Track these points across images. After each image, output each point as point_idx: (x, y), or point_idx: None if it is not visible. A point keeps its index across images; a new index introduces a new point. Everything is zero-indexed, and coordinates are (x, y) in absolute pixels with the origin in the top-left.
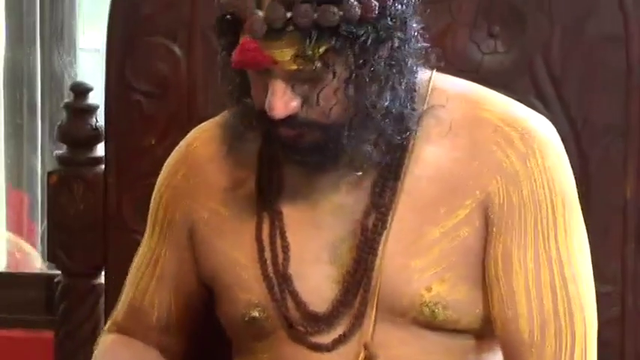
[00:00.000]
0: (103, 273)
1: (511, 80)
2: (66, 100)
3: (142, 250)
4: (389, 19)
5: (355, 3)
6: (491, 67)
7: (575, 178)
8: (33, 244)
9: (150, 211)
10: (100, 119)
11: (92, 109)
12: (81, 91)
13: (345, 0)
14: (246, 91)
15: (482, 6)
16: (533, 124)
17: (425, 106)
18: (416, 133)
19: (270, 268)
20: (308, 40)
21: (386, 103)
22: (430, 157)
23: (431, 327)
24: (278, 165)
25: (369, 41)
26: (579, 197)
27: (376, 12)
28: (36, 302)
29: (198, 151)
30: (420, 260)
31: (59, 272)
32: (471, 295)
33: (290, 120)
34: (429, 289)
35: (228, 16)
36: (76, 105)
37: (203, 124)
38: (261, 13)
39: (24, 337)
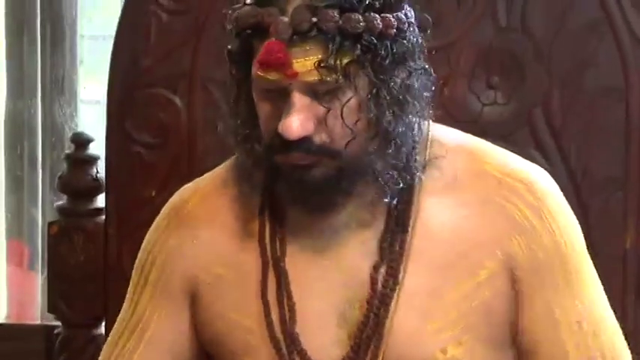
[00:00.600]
0: (103, 324)
1: (511, 131)
2: (67, 151)
3: (125, 310)
4: (405, 41)
5: (377, 16)
6: (490, 118)
7: None
8: (33, 295)
9: (138, 270)
10: (100, 170)
11: (93, 160)
12: (81, 142)
13: (367, 12)
14: (254, 125)
15: (481, 56)
16: (537, 176)
17: (426, 157)
18: (420, 184)
19: (277, 329)
20: (332, 46)
21: (401, 129)
22: (438, 213)
23: None
24: (281, 221)
25: (388, 59)
26: None
27: (394, 29)
28: (36, 353)
29: (195, 210)
30: (437, 322)
31: (59, 323)
32: (487, 358)
33: (305, 144)
34: (444, 352)
35: (248, 31)
36: (76, 156)
37: (197, 180)
38: (286, 19)
39: None
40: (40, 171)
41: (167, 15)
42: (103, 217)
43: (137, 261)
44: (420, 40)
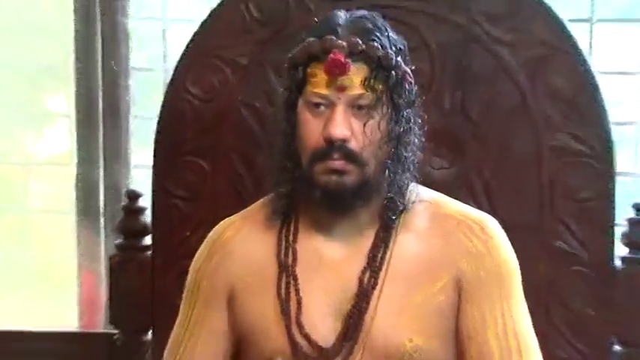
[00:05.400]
0: (150, 332)
1: (454, 190)
2: (123, 203)
3: (183, 319)
4: (413, 89)
5: (401, 62)
6: (439, 179)
7: None
8: (99, 311)
9: (188, 292)
10: (147, 217)
11: (142, 210)
12: (134, 196)
13: (397, 56)
14: (293, 155)
15: (431, 133)
16: (487, 219)
17: (406, 204)
18: (402, 219)
19: (289, 319)
20: (373, 69)
21: (408, 154)
22: (412, 242)
23: None
24: (295, 240)
25: (405, 98)
26: None
27: (409, 79)
28: (101, 355)
29: (230, 239)
30: (405, 319)
31: (117, 331)
32: (442, 346)
33: (342, 148)
34: (410, 340)
35: (304, 63)
36: (130, 206)
37: (229, 217)
38: (344, 43)
39: None
40: (102, 218)
41: (198, 101)
42: (150, 252)
43: (187, 283)
44: (417, 94)
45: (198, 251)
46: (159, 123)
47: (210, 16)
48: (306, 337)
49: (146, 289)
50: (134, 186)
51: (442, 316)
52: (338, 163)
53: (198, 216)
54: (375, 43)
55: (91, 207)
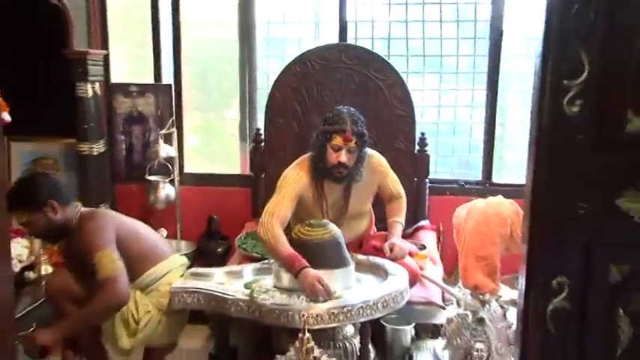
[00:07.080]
0: (263, 175)
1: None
2: (254, 131)
3: (278, 192)
4: (367, 140)
5: (367, 133)
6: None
7: None
8: (247, 167)
9: (279, 183)
10: (263, 136)
11: (261, 134)
12: (258, 130)
13: (364, 129)
14: (324, 162)
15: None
16: (380, 157)
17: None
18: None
19: (323, 211)
20: (360, 138)
21: (364, 159)
22: (363, 178)
23: (358, 215)
24: (322, 187)
25: (365, 143)
26: None
27: (367, 137)
28: (248, 183)
29: (302, 175)
30: (359, 204)
31: (252, 174)
32: (368, 205)
33: (344, 165)
34: (361, 208)
35: (330, 131)
36: (257, 132)
37: (296, 167)
38: (348, 127)
39: (240, 191)
40: (248, 137)
41: (279, 98)
42: (264, 148)
43: (280, 180)
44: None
45: (290, 173)
46: (266, 106)
47: (282, 72)
48: (327, 214)
49: (262, 161)
50: (259, 125)
51: (371, 198)
52: (341, 170)
53: (281, 136)
54: (359, 126)
55: (243, 133)
